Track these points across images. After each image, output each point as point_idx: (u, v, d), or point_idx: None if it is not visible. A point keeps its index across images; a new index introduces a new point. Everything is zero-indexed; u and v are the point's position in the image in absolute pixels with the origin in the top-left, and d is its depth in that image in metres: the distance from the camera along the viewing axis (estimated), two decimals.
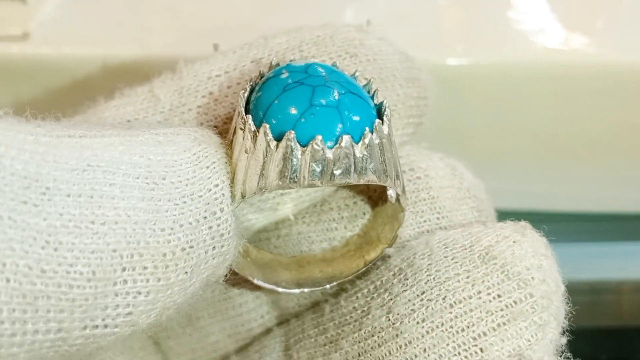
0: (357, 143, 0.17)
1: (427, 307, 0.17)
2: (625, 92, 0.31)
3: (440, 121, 0.32)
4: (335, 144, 0.16)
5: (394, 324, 0.18)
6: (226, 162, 0.18)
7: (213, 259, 0.17)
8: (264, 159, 0.17)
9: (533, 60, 0.30)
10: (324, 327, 0.20)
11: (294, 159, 0.16)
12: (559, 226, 0.37)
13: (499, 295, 0.17)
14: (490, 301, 0.17)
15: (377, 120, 0.17)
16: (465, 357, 0.17)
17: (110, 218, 0.15)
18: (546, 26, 0.32)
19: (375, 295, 0.19)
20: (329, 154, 0.16)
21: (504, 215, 0.36)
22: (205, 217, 0.17)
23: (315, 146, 0.16)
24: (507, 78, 0.30)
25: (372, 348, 0.18)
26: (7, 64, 0.30)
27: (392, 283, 0.18)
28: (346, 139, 0.16)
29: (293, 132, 0.16)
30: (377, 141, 0.17)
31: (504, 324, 0.17)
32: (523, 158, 0.33)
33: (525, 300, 0.17)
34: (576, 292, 0.36)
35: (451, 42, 0.31)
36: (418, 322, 0.17)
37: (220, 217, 0.17)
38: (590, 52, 0.30)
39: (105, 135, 0.16)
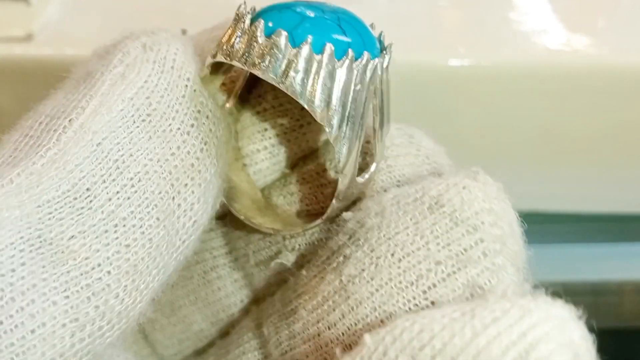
0: (294, 47, 0.16)
1: (376, 265, 0.17)
2: (627, 93, 0.31)
3: (441, 122, 0.32)
4: (272, 34, 0.16)
5: (345, 285, 0.17)
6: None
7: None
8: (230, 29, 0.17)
9: (534, 61, 0.30)
10: (289, 299, 0.19)
11: (238, 31, 0.17)
12: (560, 227, 0.37)
13: (448, 244, 0.16)
14: (439, 251, 0.16)
15: (351, 51, 0.17)
16: (416, 312, 0.16)
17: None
18: (548, 27, 0.32)
19: (331, 260, 0.18)
20: (261, 38, 0.16)
21: None
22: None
23: (254, 27, 0.16)
24: (509, 79, 0.30)
25: (327, 314, 0.17)
26: (10, 64, 0.30)
27: (347, 246, 0.18)
28: (282, 33, 0.16)
29: (250, 12, 0.17)
30: (328, 66, 0.16)
31: (454, 272, 0.16)
32: (524, 159, 0.33)
33: (476, 246, 0.16)
34: (577, 293, 0.36)
35: (453, 43, 0.31)
36: (367, 281, 0.17)
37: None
38: (591, 53, 0.30)
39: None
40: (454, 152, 0.33)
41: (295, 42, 0.16)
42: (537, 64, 0.30)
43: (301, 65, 0.16)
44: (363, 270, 0.17)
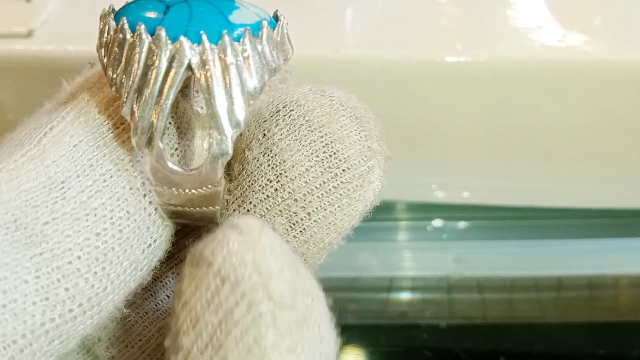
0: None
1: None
2: (622, 90, 0.31)
3: (439, 118, 0.33)
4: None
5: None
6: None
7: None
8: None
9: (531, 58, 0.31)
10: None
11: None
12: (556, 222, 0.38)
13: (221, 305, 0.16)
14: (216, 313, 0.16)
15: (204, 35, 0.16)
16: None
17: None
18: (544, 24, 0.32)
19: None
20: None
21: (503, 211, 0.36)
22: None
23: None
24: (505, 75, 0.31)
25: None
26: (11, 61, 0.30)
27: None
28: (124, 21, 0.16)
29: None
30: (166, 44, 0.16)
31: (228, 335, 0.16)
32: (521, 155, 0.33)
33: (242, 300, 0.16)
34: (574, 287, 0.37)
35: (450, 39, 0.31)
36: None
37: None
38: (587, 50, 0.31)
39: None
40: (451, 148, 0.34)
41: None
42: (533, 60, 0.31)
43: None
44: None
